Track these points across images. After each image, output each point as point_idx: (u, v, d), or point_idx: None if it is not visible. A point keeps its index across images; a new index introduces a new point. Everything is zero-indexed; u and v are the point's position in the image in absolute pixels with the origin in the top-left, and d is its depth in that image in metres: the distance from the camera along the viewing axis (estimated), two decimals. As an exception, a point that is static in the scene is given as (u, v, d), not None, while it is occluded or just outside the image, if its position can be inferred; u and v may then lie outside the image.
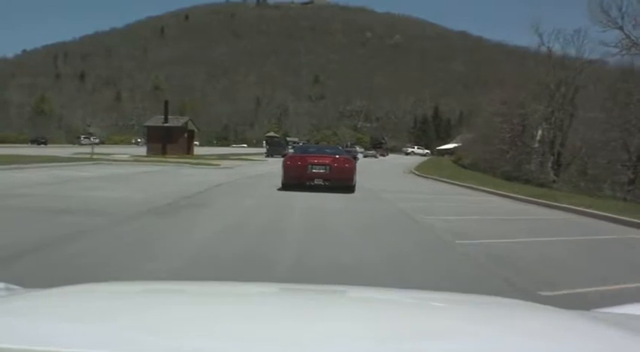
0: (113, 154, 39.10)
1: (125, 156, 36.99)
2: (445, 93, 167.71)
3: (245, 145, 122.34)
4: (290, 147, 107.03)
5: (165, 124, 47.81)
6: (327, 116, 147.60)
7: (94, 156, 33.66)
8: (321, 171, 17.73)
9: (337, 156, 18.32)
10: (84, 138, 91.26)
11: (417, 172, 36.00)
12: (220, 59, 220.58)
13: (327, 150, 19.79)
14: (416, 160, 69.25)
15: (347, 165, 17.99)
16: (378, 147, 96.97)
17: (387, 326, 1.41)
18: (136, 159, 34.53)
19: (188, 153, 48.12)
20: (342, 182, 17.62)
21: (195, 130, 57.00)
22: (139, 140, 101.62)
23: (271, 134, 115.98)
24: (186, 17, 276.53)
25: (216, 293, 1.91)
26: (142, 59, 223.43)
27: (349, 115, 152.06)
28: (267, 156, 60.23)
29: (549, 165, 32.42)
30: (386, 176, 31.22)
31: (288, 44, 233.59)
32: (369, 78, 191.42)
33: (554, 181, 30.71)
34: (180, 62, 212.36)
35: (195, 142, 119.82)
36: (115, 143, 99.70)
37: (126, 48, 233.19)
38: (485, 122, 49.24)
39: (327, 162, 17.86)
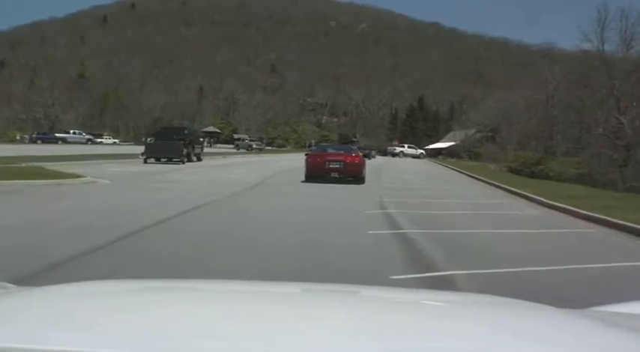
0: None
1: None
2: (427, 84, 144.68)
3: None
4: (236, 144, 79.28)
5: None
6: (285, 109, 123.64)
7: None
8: (337, 166, 22.31)
9: (351, 154, 23.19)
10: None
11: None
12: (167, 49, 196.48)
13: (341, 150, 24.82)
14: (429, 165, 49.81)
15: (357, 161, 22.79)
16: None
17: (384, 324, 1.41)
18: None
19: None
20: (353, 175, 22.26)
21: None
22: (25, 136, 77.77)
23: (210, 129, 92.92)
24: (133, 5, 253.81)
25: (210, 291, 1.92)
26: (77, 48, 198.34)
27: (311, 109, 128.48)
28: (147, 159, 33.13)
29: None
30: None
31: (243, 33, 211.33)
32: (334, 68, 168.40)
33: None
34: (121, 51, 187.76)
35: (114, 140, 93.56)
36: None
37: (64, 37, 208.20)
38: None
39: (341, 159, 22.56)
